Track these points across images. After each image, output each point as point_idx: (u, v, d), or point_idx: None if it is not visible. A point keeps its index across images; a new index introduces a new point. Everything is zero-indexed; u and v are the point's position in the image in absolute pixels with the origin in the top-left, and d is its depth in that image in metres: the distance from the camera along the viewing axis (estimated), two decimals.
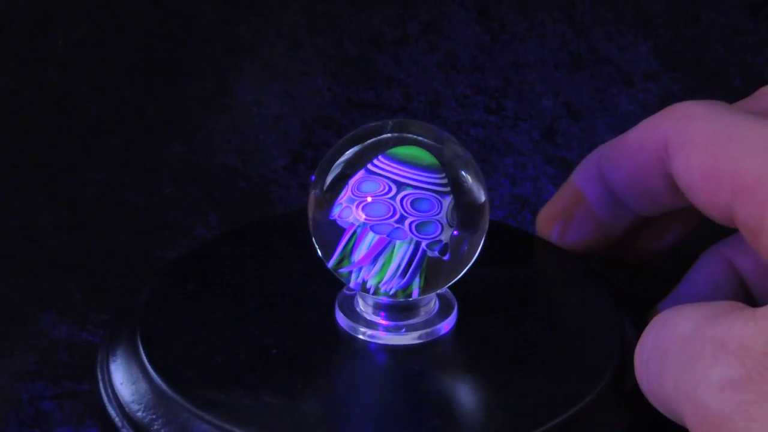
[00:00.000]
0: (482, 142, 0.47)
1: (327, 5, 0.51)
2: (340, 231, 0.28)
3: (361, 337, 0.30)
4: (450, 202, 0.28)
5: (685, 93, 0.48)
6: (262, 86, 0.49)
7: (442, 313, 0.31)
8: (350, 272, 0.29)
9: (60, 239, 0.41)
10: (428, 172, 0.28)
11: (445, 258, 0.28)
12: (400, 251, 0.28)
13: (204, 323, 0.31)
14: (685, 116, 0.29)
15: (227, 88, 0.48)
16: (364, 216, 0.28)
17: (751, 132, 0.26)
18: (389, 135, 0.29)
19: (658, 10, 0.50)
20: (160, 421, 0.28)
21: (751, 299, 0.33)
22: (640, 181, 0.31)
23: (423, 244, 0.28)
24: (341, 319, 0.30)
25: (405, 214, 0.28)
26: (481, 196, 0.29)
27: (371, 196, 0.28)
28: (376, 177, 0.28)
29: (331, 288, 0.31)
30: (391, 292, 0.29)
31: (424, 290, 0.29)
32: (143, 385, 0.29)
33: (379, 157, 0.28)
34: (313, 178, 0.29)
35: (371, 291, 0.29)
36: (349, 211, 0.28)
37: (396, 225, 0.28)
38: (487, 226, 0.29)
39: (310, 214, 0.29)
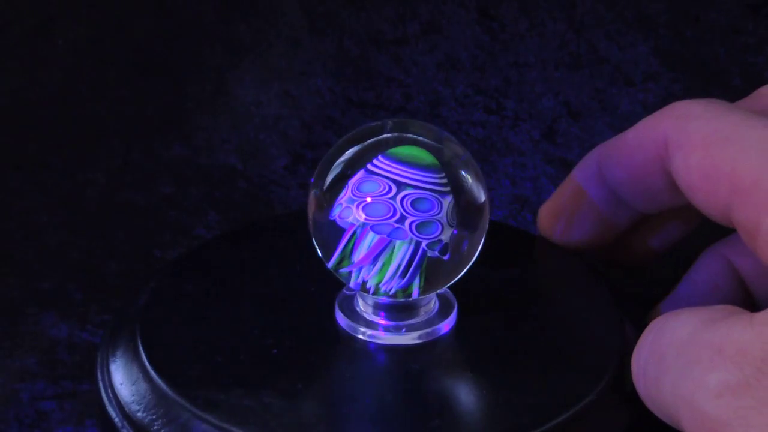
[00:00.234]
0: (482, 142, 0.47)
1: (327, 5, 0.51)
2: (340, 231, 0.28)
3: (361, 337, 0.30)
4: (450, 202, 0.28)
5: (685, 93, 0.48)
6: (262, 86, 0.49)
7: (442, 313, 0.31)
8: (350, 272, 0.29)
9: (60, 239, 0.41)
10: (428, 172, 0.28)
11: (445, 258, 0.28)
12: (400, 251, 0.28)
13: (204, 323, 0.31)
14: (685, 115, 0.29)
15: (227, 88, 0.48)
16: (364, 216, 0.28)
17: (750, 132, 0.26)
18: (389, 135, 0.29)
19: (658, 10, 0.50)
20: (160, 421, 0.28)
21: (750, 299, 0.33)
22: (639, 179, 0.31)
23: (423, 244, 0.28)
24: (341, 319, 0.30)
25: (405, 214, 0.28)
26: (481, 196, 0.29)
27: (371, 196, 0.28)
28: (376, 177, 0.28)
29: (331, 288, 0.31)
30: (391, 292, 0.29)
31: (424, 290, 0.29)
32: (143, 385, 0.29)
33: (379, 157, 0.28)
34: (313, 178, 0.29)
35: (371, 291, 0.29)
36: (349, 211, 0.28)
37: (396, 225, 0.28)
38: (487, 225, 0.29)
39: (310, 214, 0.29)
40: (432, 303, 0.31)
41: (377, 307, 0.30)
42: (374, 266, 0.28)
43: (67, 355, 0.36)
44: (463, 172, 0.29)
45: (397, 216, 0.28)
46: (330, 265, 0.29)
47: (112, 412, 0.29)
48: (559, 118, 0.48)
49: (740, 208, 0.26)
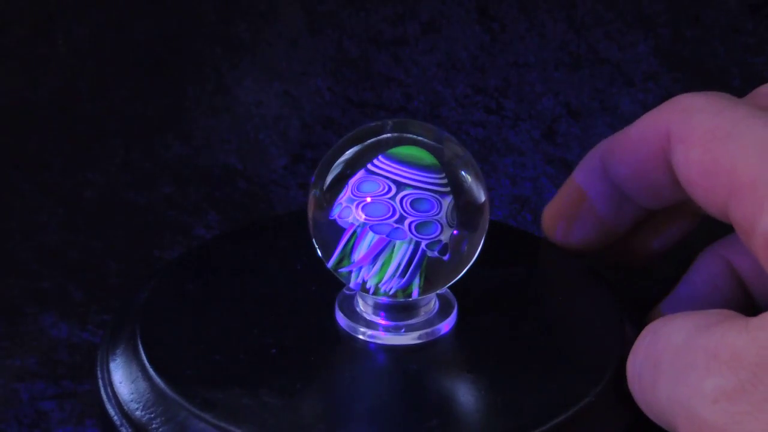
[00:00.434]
0: (482, 142, 0.47)
1: (327, 5, 0.51)
2: (340, 231, 0.28)
3: (361, 337, 0.30)
4: (450, 202, 0.28)
5: (685, 93, 0.48)
6: (262, 86, 0.49)
7: (442, 313, 0.31)
8: (350, 272, 0.29)
9: (60, 239, 0.41)
10: (428, 172, 0.28)
11: (445, 258, 0.28)
12: (400, 251, 0.28)
13: (204, 323, 0.31)
14: (688, 108, 0.29)
15: (227, 88, 0.48)
16: (363, 216, 0.28)
17: (751, 129, 0.26)
18: (389, 135, 0.29)
19: (658, 10, 0.50)
20: (159, 420, 0.28)
21: (749, 299, 0.33)
22: (643, 173, 0.31)
23: (423, 244, 0.28)
24: (341, 319, 0.30)
25: (405, 214, 0.28)
26: (481, 196, 0.29)
27: (371, 196, 0.28)
28: (376, 177, 0.28)
29: (331, 288, 0.31)
30: (391, 292, 0.29)
31: (424, 290, 0.29)
32: (142, 384, 0.29)
33: (379, 157, 0.28)
34: (313, 178, 0.29)
35: (371, 291, 0.29)
36: (348, 211, 0.28)
37: (396, 225, 0.28)
38: (487, 226, 0.29)
39: (310, 214, 0.29)
40: (432, 303, 0.31)
41: (377, 307, 0.30)
42: (374, 266, 0.28)
43: (67, 355, 0.36)
44: (463, 172, 0.29)
45: (397, 216, 0.28)
46: (330, 265, 0.29)
47: (111, 411, 0.29)
48: (559, 118, 0.48)
49: (738, 205, 0.26)
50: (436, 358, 0.29)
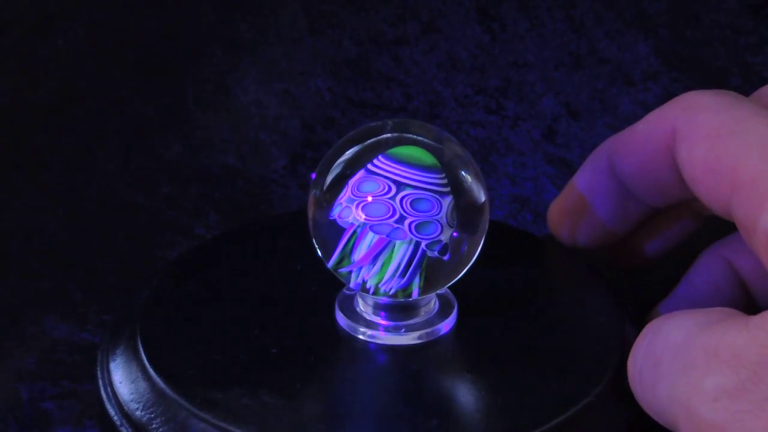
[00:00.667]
0: (482, 142, 0.47)
1: (327, 5, 0.51)
2: (340, 231, 0.28)
3: (361, 337, 0.30)
4: (450, 202, 0.28)
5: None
6: (262, 86, 0.49)
7: (442, 313, 0.31)
8: (350, 272, 0.29)
9: (60, 239, 0.41)
10: (428, 172, 0.28)
11: (445, 258, 0.28)
12: (400, 251, 0.28)
13: (204, 323, 0.31)
14: (693, 106, 0.29)
15: (227, 88, 0.48)
16: (363, 216, 0.28)
17: (755, 127, 0.26)
18: (389, 135, 0.29)
19: (658, 10, 0.50)
20: (158, 420, 0.28)
21: (750, 299, 0.33)
22: (649, 171, 0.31)
23: (423, 244, 0.28)
24: (341, 319, 0.30)
25: (405, 214, 0.28)
26: (481, 196, 0.29)
27: (371, 196, 0.28)
28: (376, 177, 0.28)
29: (331, 288, 0.31)
30: (391, 292, 0.29)
31: (424, 290, 0.29)
32: (142, 384, 0.29)
33: (379, 157, 0.28)
34: (313, 177, 0.29)
35: (371, 291, 0.29)
36: (348, 211, 0.28)
37: (396, 225, 0.28)
38: (487, 226, 0.29)
39: (310, 214, 0.29)
40: (432, 303, 0.31)
41: (377, 307, 0.30)
42: (374, 266, 0.28)
43: (67, 355, 0.36)
44: (463, 173, 0.29)
45: (397, 216, 0.28)
46: (330, 265, 0.29)
47: (111, 411, 0.29)
48: (559, 118, 0.48)
49: (740, 202, 0.26)
50: (436, 358, 0.29)
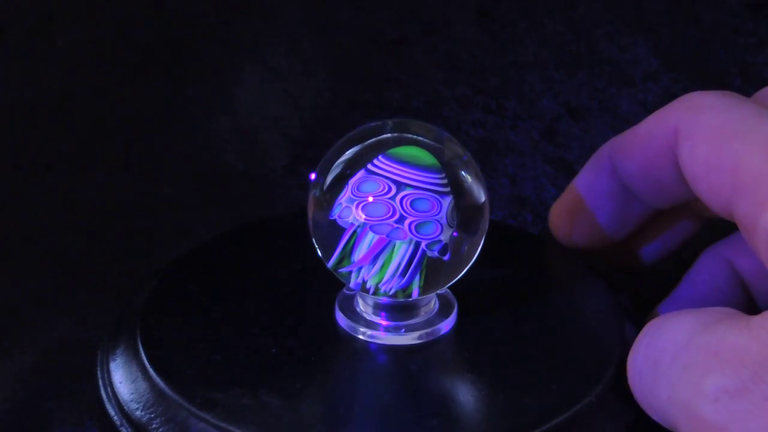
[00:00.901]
0: (482, 142, 0.47)
1: (327, 5, 0.51)
2: (340, 231, 0.28)
3: (361, 337, 0.30)
4: (450, 202, 0.28)
5: (684, 93, 0.48)
6: (262, 86, 0.49)
7: (442, 313, 0.31)
8: (350, 272, 0.29)
9: (60, 239, 0.41)
10: (428, 172, 0.28)
11: (445, 258, 0.28)
12: (400, 251, 0.28)
13: (204, 323, 0.31)
14: (696, 106, 0.29)
15: (227, 88, 0.48)
16: (363, 216, 0.28)
17: (757, 128, 0.26)
18: (389, 135, 0.29)
19: (658, 10, 0.50)
20: (158, 420, 0.28)
21: (751, 300, 0.33)
22: (651, 171, 0.31)
23: (423, 245, 0.28)
24: (341, 319, 0.30)
25: (405, 214, 0.28)
26: (481, 197, 0.29)
27: (371, 196, 0.28)
28: (376, 177, 0.28)
29: (331, 288, 0.31)
30: (391, 292, 0.29)
31: (424, 290, 0.29)
32: (142, 384, 0.29)
33: (379, 157, 0.28)
34: (314, 177, 0.29)
35: (371, 291, 0.29)
36: (348, 211, 0.28)
37: (396, 225, 0.28)
38: (487, 226, 0.29)
39: (310, 214, 0.29)
40: (432, 303, 0.31)
41: (377, 307, 0.30)
42: (374, 266, 0.28)
43: (67, 355, 0.36)
44: (463, 173, 0.29)
45: (397, 216, 0.28)
46: (330, 265, 0.29)
47: (111, 411, 0.29)
48: (559, 118, 0.48)
49: (741, 203, 0.26)
50: (436, 358, 0.29)
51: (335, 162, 0.29)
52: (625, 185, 0.33)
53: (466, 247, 0.29)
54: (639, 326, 0.29)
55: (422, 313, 0.30)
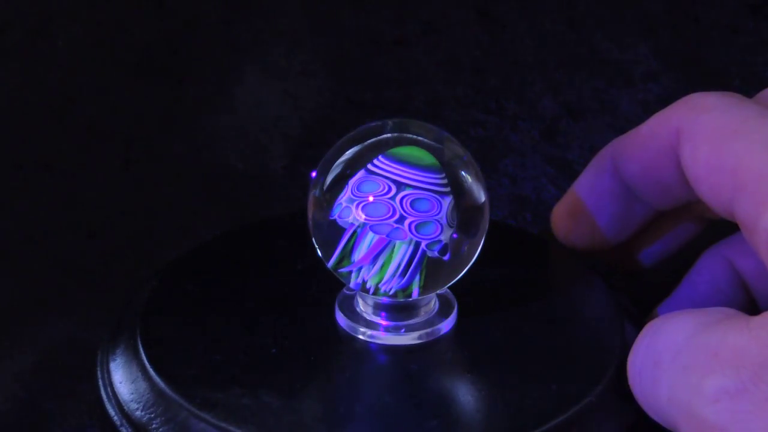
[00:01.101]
0: (482, 142, 0.47)
1: (327, 5, 0.51)
2: (340, 231, 0.28)
3: (361, 337, 0.30)
4: (450, 202, 0.28)
5: (684, 93, 0.48)
6: (262, 86, 0.49)
7: (442, 313, 0.31)
8: (350, 272, 0.29)
9: (60, 239, 0.41)
10: (428, 172, 0.28)
11: (445, 258, 0.28)
12: (400, 251, 0.28)
13: (203, 323, 0.31)
14: (697, 107, 0.29)
15: (227, 88, 0.48)
16: (363, 216, 0.28)
17: (758, 128, 0.26)
18: (389, 135, 0.29)
19: (658, 10, 0.50)
20: (158, 420, 0.28)
21: (752, 300, 0.33)
22: (653, 171, 0.31)
23: (423, 245, 0.28)
24: (341, 319, 0.30)
25: (405, 215, 0.28)
26: (481, 197, 0.29)
27: (371, 196, 0.28)
28: (376, 177, 0.28)
29: (331, 288, 0.31)
30: (391, 292, 0.29)
31: (424, 290, 0.29)
32: (142, 384, 0.29)
33: (379, 157, 0.28)
34: (314, 177, 0.29)
35: (371, 291, 0.29)
36: (348, 211, 0.28)
37: (396, 225, 0.28)
38: (487, 226, 0.29)
39: (310, 215, 0.29)
40: (432, 303, 0.31)
41: (377, 307, 0.30)
42: (374, 266, 0.28)
43: (67, 355, 0.36)
44: (463, 173, 0.29)
45: (397, 216, 0.28)
46: (330, 265, 0.29)
47: (111, 411, 0.29)
48: (559, 118, 0.48)
49: (742, 203, 0.26)
50: (436, 358, 0.29)
51: (335, 162, 0.29)
52: (628, 186, 0.33)
53: (466, 247, 0.29)
54: (639, 326, 0.29)
55: (422, 313, 0.30)
